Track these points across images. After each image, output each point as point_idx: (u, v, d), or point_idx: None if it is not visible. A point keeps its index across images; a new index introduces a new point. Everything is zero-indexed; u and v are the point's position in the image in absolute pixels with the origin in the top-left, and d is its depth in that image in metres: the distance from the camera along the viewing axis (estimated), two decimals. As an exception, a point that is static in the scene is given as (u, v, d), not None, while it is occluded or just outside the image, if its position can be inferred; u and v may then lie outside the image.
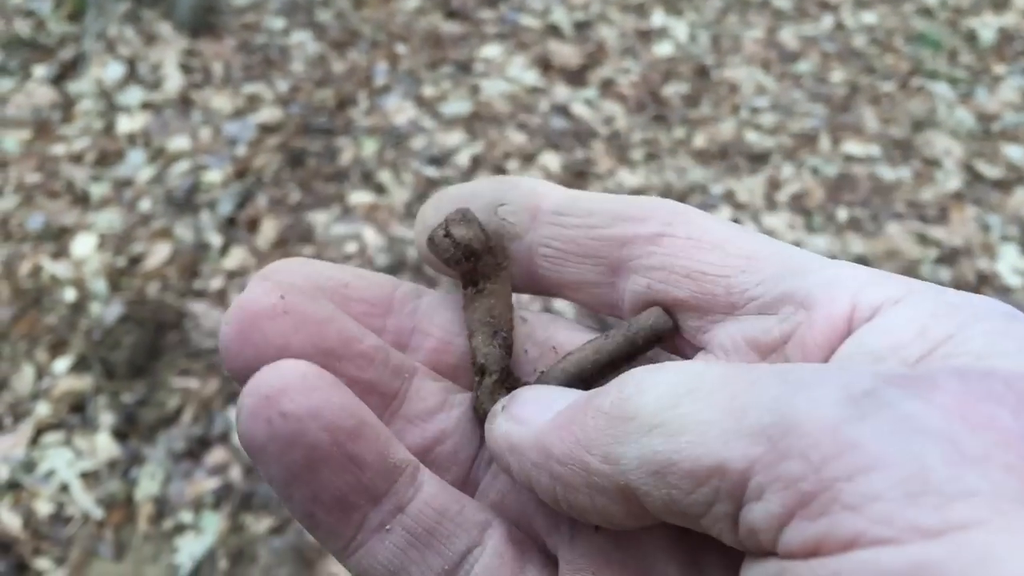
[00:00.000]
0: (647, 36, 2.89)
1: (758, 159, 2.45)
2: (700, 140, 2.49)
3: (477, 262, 0.37)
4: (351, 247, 2.12)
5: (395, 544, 0.32)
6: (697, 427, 0.25)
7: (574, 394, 0.32)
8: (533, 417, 0.31)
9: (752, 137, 2.51)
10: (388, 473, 0.32)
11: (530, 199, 0.37)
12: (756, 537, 0.24)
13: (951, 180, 2.39)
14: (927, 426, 0.22)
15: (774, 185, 2.37)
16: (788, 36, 2.91)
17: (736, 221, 2.24)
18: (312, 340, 0.32)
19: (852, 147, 2.49)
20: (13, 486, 1.70)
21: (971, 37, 2.95)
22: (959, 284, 2.10)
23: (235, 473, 1.71)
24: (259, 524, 1.65)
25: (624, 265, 0.36)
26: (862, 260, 2.15)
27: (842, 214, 2.28)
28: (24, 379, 1.86)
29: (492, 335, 0.37)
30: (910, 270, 2.13)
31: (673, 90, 2.67)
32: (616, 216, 0.36)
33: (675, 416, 0.26)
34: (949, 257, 2.18)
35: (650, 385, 0.27)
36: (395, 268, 2.07)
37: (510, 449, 0.31)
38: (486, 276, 0.38)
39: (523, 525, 0.36)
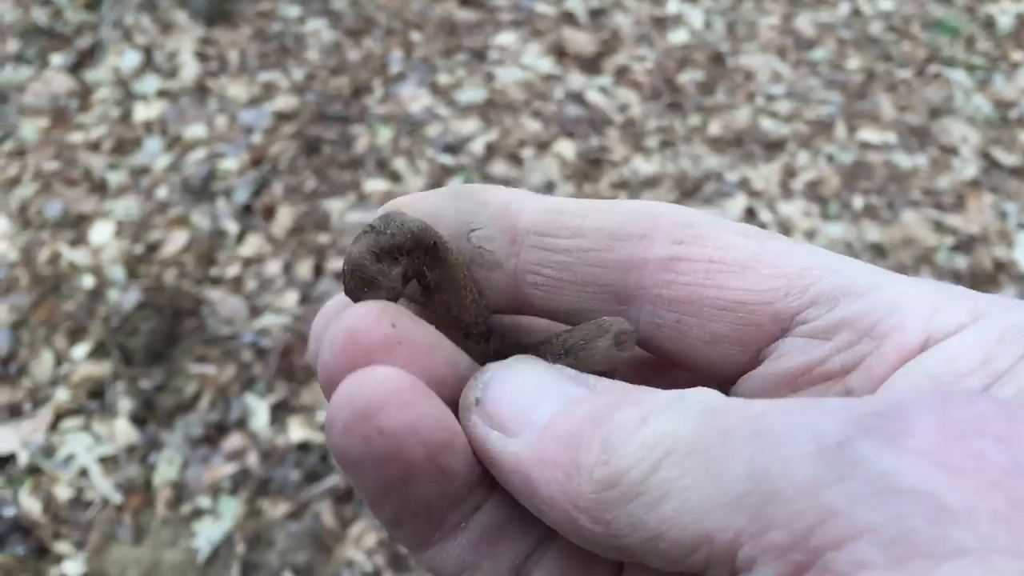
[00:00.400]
0: (662, 23, 2.88)
1: (773, 146, 2.44)
2: (715, 127, 2.49)
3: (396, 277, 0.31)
4: (366, 235, 2.12)
5: (468, 540, 0.31)
6: (679, 495, 0.24)
7: (555, 396, 0.28)
8: (512, 426, 0.28)
9: (767, 124, 2.50)
10: (473, 480, 0.31)
11: (504, 218, 0.33)
12: None
13: (968, 168, 2.38)
14: (903, 484, 0.21)
15: (789, 173, 2.36)
16: (804, 23, 2.89)
17: (751, 209, 2.24)
18: (425, 370, 0.30)
19: (868, 134, 2.48)
20: (33, 471, 1.72)
21: (989, 24, 2.93)
22: (975, 272, 2.10)
23: (252, 459, 1.73)
24: (276, 509, 1.67)
25: (635, 295, 0.32)
26: (878, 248, 2.15)
27: (858, 202, 2.28)
28: (43, 365, 1.88)
29: (464, 338, 0.33)
30: (926, 258, 2.12)
31: (688, 77, 2.66)
32: (611, 236, 0.32)
33: (656, 483, 0.24)
34: (965, 245, 2.17)
35: (627, 447, 0.25)
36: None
37: (491, 463, 0.29)
38: (420, 275, 0.32)
39: None
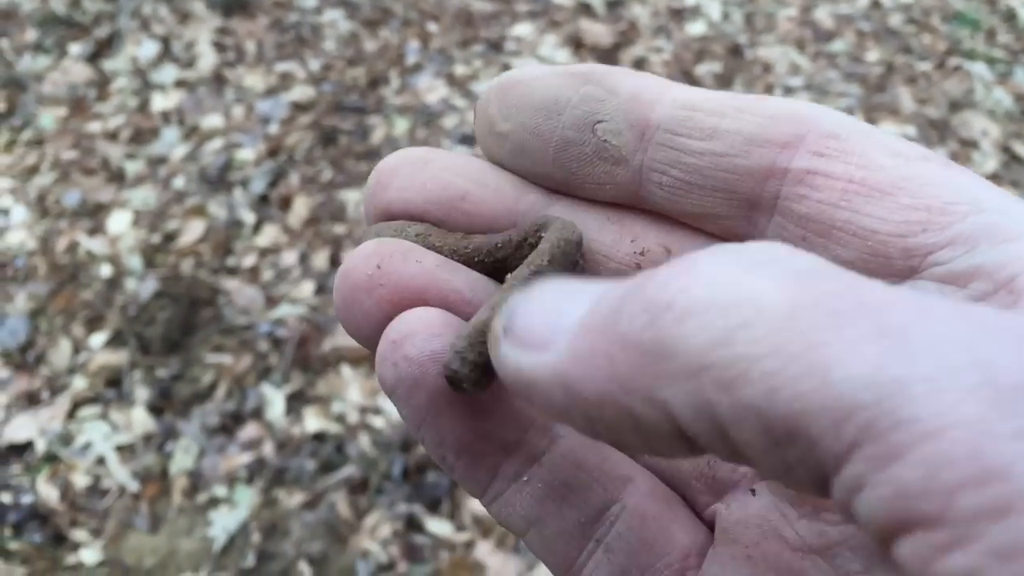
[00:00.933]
0: (680, 15, 2.86)
1: (791, 139, 2.42)
2: (733, 120, 2.47)
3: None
4: (382, 225, 2.12)
5: (532, 495, 0.31)
6: (763, 380, 0.19)
7: (585, 295, 0.24)
8: (544, 339, 0.24)
9: (785, 117, 2.48)
10: (516, 423, 0.31)
11: (635, 110, 0.31)
12: (857, 516, 0.19)
13: (988, 161, 2.36)
14: None
15: (807, 166, 2.34)
16: (823, 15, 2.87)
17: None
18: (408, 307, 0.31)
19: (887, 128, 2.46)
20: (51, 459, 1.73)
21: (1010, 16, 2.90)
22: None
23: (268, 448, 1.73)
24: (291, 499, 1.67)
25: (766, 203, 0.29)
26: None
27: (876, 195, 2.26)
28: (61, 353, 1.89)
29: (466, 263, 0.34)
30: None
31: (706, 69, 2.65)
32: (751, 140, 0.29)
33: (729, 358, 0.20)
34: (985, 240, 2.15)
35: (689, 309, 0.21)
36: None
37: (528, 387, 0.25)
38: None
39: (673, 480, 0.33)
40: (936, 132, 2.45)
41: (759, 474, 0.24)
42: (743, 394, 0.19)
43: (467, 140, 2.37)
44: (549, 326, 0.24)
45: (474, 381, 0.29)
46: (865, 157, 0.28)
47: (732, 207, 0.30)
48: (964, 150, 2.39)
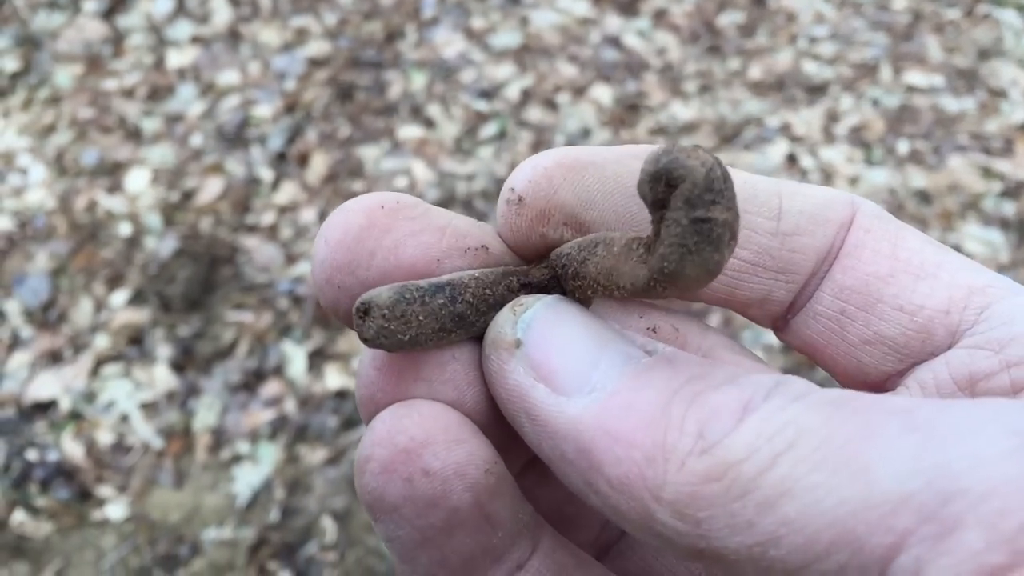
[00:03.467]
0: (701, -36, 2.80)
1: (816, 90, 2.38)
2: (756, 71, 2.43)
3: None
4: (401, 181, 2.11)
5: None
6: (807, 493, 0.20)
7: (619, 351, 0.24)
8: (568, 386, 0.24)
9: (810, 68, 2.44)
10: (517, 532, 0.29)
11: None
12: None
13: (1017, 111, 2.31)
14: None
15: (832, 117, 2.30)
16: (848, -38, 2.80)
17: (792, 155, 2.19)
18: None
19: (914, 77, 2.41)
20: (75, 416, 1.74)
21: (1042, -39, 2.83)
22: (1023, 217, 2.05)
23: (290, 405, 1.74)
24: (314, 455, 1.68)
25: (814, 281, 0.30)
26: (923, 194, 2.10)
27: (903, 147, 2.22)
28: (83, 312, 1.89)
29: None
30: (973, 204, 2.07)
31: (728, 20, 2.60)
32: (814, 219, 0.29)
33: (775, 479, 0.21)
34: (1014, 191, 2.11)
35: (737, 437, 0.22)
36: (445, 202, 2.06)
37: (529, 417, 0.25)
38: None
39: None
40: (964, 81, 2.40)
41: None
42: (786, 510, 0.21)
43: (485, 95, 2.34)
44: (574, 372, 0.24)
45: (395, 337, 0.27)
46: (907, 240, 0.29)
47: (788, 288, 0.30)
48: (993, 100, 2.34)
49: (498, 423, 0.28)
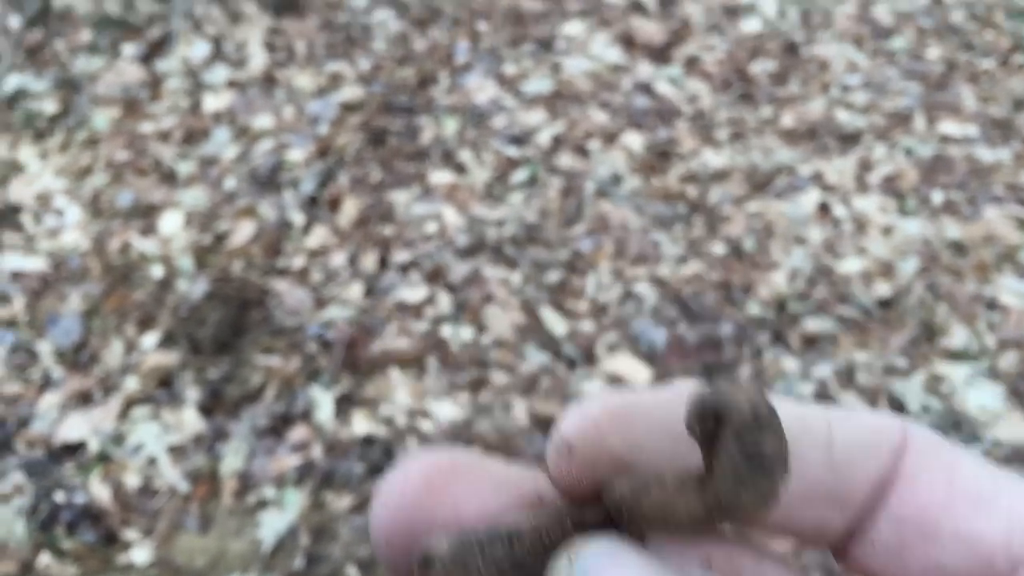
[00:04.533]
0: (734, 12, 2.81)
1: (849, 139, 2.37)
2: (788, 119, 2.42)
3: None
4: (431, 227, 2.11)
5: None
6: None
7: None
8: None
9: (843, 116, 2.43)
10: None
11: None
12: None
13: (1055, 162, 2.28)
14: None
15: (865, 166, 2.29)
16: (882, 11, 2.80)
17: (825, 204, 2.18)
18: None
19: (948, 127, 2.39)
20: (103, 458, 1.75)
21: (1078, 11, 2.81)
22: (1062, 271, 2.02)
23: (316, 451, 1.73)
24: (340, 502, 1.67)
25: (868, 512, 0.29)
26: (958, 245, 2.07)
27: (937, 197, 2.20)
28: (114, 353, 1.90)
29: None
30: (1009, 256, 2.04)
31: (760, 67, 2.60)
32: (866, 449, 0.28)
33: None
34: (1052, 243, 2.08)
35: None
36: (474, 249, 2.06)
37: None
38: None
39: None
40: (999, 131, 2.38)
41: None
42: None
43: (516, 140, 2.35)
44: None
45: None
46: (963, 466, 0.28)
47: (844, 517, 0.29)
48: (1029, 150, 2.32)
49: None
